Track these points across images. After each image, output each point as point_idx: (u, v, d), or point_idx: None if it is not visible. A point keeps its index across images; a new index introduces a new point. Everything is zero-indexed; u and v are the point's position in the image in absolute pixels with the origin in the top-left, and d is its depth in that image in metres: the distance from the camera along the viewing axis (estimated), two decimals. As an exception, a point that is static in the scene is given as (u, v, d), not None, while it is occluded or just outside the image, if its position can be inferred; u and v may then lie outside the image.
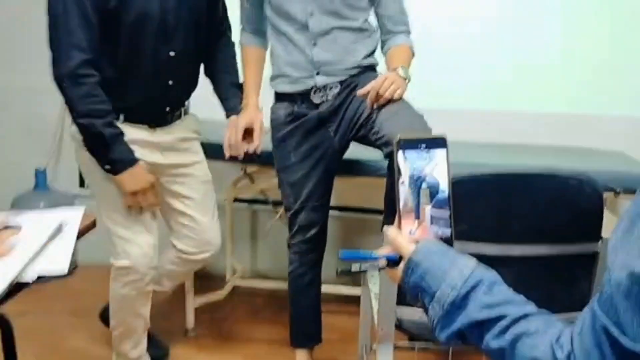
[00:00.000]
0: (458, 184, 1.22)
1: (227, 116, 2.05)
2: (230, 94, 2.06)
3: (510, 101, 2.66)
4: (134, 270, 1.92)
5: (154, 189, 1.89)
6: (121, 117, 1.86)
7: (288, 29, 1.87)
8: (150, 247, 1.94)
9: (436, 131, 2.39)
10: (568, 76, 2.62)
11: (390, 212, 1.80)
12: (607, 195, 2.16)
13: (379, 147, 1.78)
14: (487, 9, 2.62)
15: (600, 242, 1.31)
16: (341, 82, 1.89)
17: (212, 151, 2.13)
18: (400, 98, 1.77)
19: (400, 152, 0.87)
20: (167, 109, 1.94)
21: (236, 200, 2.76)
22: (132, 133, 1.87)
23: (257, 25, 1.99)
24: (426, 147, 0.88)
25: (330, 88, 1.89)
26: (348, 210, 2.84)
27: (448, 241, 0.87)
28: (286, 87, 1.93)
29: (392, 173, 1.74)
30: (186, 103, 2.03)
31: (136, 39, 1.81)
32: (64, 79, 1.75)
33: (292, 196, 2.00)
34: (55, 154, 3.09)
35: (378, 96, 1.74)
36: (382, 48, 1.97)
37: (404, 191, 0.87)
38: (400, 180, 0.87)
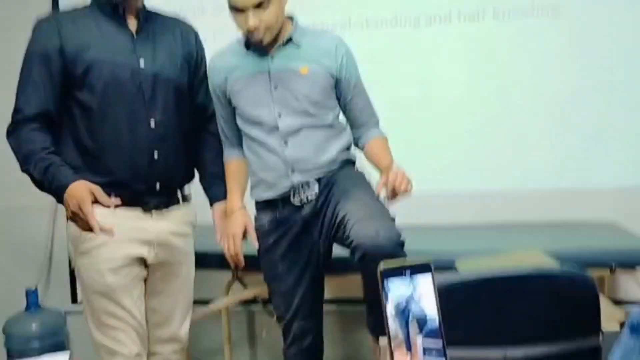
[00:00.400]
0: (449, 292, 1.22)
1: (211, 204, 2.03)
2: (213, 183, 2.03)
3: (494, 180, 2.68)
4: None
5: (84, 210, 1.69)
6: (112, 197, 1.76)
7: (258, 133, 1.87)
8: (134, 357, 1.86)
9: (423, 216, 2.50)
10: (551, 151, 2.65)
11: (371, 311, 1.80)
12: (602, 273, 2.15)
13: (350, 252, 1.74)
14: (463, 89, 2.68)
15: (600, 335, 1.28)
16: (319, 180, 1.87)
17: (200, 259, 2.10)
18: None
19: (385, 282, 0.86)
20: (158, 185, 1.85)
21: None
22: (127, 220, 1.80)
23: (233, 139, 1.99)
24: (411, 274, 0.87)
25: (309, 186, 1.86)
26: (343, 302, 2.78)
27: (443, 371, 0.85)
28: (265, 194, 1.91)
29: (366, 280, 1.75)
30: (185, 188, 1.97)
31: (112, 106, 1.78)
32: (7, 132, 1.79)
33: (283, 305, 1.96)
34: (45, 273, 3.06)
35: (394, 192, 1.71)
36: (356, 144, 1.98)
37: (393, 322, 0.86)
38: (388, 311, 0.86)
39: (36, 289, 2.90)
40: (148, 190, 1.85)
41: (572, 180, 2.63)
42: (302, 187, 1.87)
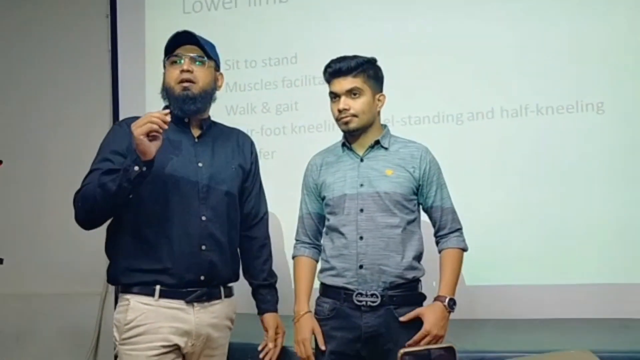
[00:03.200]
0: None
1: (262, 312, 2.12)
2: (265, 294, 2.13)
3: (536, 275, 2.62)
4: None
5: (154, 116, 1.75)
6: (157, 289, 1.87)
7: (338, 224, 1.99)
8: None
9: (473, 310, 2.44)
10: (604, 244, 2.58)
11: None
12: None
13: None
14: (504, 180, 2.69)
15: None
16: (382, 297, 1.92)
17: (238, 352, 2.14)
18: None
19: None
20: (202, 277, 1.93)
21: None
22: (169, 310, 1.88)
23: (312, 239, 2.12)
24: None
25: (372, 295, 1.92)
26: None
27: None
28: (331, 280, 1.99)
29: None
30: (229, 285, 2.04)
31: (169, 200, 1.90)
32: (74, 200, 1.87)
33: None
34: (92, 357, 3.10)
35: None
36: (436, 244, 2.05)
37: None
38: None
39: (82, 375, 2.95)
40: (193, 281, 1.93)
41: (625, 274, 2.55)
42: (366, 295, 1.93)
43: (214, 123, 2.10)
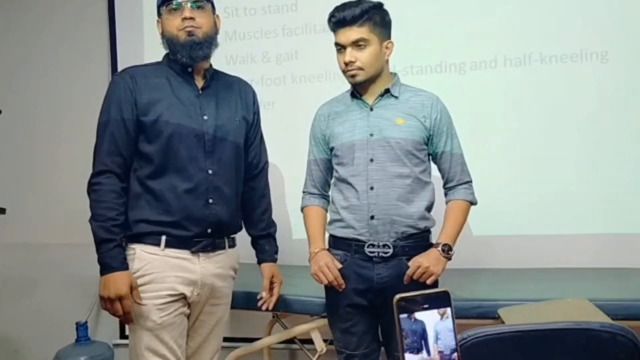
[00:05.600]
0: (477, 346, 1.20)
1: (259, 262, 2.14)
2: (264, 244, 2.15)
3: (535, 225, 2.65)
4: None
5: (125, 302, 1.84)
6: (163, 239, 1.90)
7: (347, 174, 1.96)
8: None
9: (472, 259, 2.47)
10: (601, 195, 2.60)
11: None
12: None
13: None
14: (510, 131, 2.69)
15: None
16: (394, 248, 1.91)
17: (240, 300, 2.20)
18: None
19: (401, 315, 0.84)
20: (209, 230, 1.95)
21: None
22: (175, 260, 1.91)
23: (321, 190, 2.09)
24: (428, 306, 0.85)
25: (384, 246, 1.91)
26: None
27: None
28: (341, 231, 1.98)
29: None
30: (233, 236, 2.06)
31: (175, 153, 1.90)
32: (88, 183, 1.90)
33: (342, 341, 2.01)
34: (96, 307, 3.15)
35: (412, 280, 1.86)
36: (445, 195, 2.02)
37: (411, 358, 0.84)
38: (405, 346, 0.84)
39: (86, 323, 3.00)
40: (200, 233, 1.94)
41: (624, 225, 2.57)
42: (377, 245, 1.92)
43: (216, 72, 2.07)
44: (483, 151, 2.60)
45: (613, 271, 2.47)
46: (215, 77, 2.05)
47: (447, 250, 1.90)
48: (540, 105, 2.65)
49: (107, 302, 1.85)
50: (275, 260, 2.17)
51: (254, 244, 2.17)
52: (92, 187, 1.90)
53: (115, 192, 1.89)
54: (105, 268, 1.85)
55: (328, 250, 2.02)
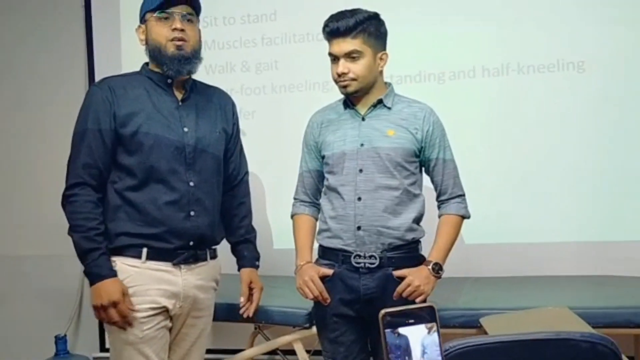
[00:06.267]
0: (461, 357, 1.20)
1: (239, 268, 2.11)
2: (244, 249, 2.13)
3: (517, 233, 2.67)
4: None
5: (120, 306, 1.82)
6: (144, 251, 1.87)
7: (337, 183, 1.95)
8: None
9: (458, 268, 2.48)
10: (580, 203, 2.63)
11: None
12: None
13: None
14: (488, 141, 2.72)
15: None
16: (381, 259, 1.90)
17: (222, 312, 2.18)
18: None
19: (387, 330, 0.84)
20: (191, 242, 1.93)
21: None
22: (156, 272, 1.88)
23: (312, 198, 2.07)
24: (414, 322, 0.85)
25: (370, 257, 1.90)
26: None
27: None
28: (329, 241, 1.97)
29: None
30: (213, 247, 2.04)
31: (156, 166, 1.88)
32: (63, 196, 1.88)
33: (330, 351, 2.00)
34: (75, 319, 3.12)
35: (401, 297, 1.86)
36: (438, 208, 2.01)
37: None
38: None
39: (65, 336, 2.96)
40: (181, 246, 1.93)
41: (605, 232, 2.61)
42: (364, 256, 1.91)
43: (195, 82, 2.05)
44: (463, 160, 2.61)
45: (594, 279, 2.50)
46: (194, 88, 2.03)
47: (438, 270, 1.90)
48: (520, 115, 2.69)
49: (101, 311, 1.83)
50: (255, 267, 2.15)
51: (234, 250, 2.16)
52: (68, 200, 1.87)
53: (92, 203, 1.86)
54: (95, 277, 1.83)
55: (316, 261, 2.01)
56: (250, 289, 2.11)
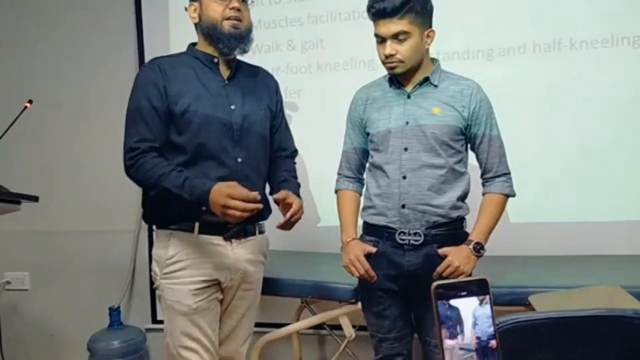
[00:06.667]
0: (514, 332, 1.21)
1: (272, 193, 2.06)
2: (286, 185, 2.08)
3: (567, 212, 2.63)
4: None
5: (233, 200, 1.78)
6: (196, 225, 1.93)
7: (382, 161, 1.95)
8: None
9: (506, 246, 2.46)
10: (632, 183, 2.57)
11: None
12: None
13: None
14: (538, 119, 2.67)
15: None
16: (425, 236, 1.90)
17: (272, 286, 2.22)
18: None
19: (439, 302, 0.84)
20: None
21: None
22: (209, 246, 1.94)
23: (356, 173, 2.08)
24: (467, 294, 0.85)
25: (415, 234, 1.91)
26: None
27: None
28: (373, 218, 1.98)
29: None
30: (261, 223, 2.09)
31: (205, 143, 1.92)
32: (125, 169, 1.89)
33: (374, 325, 2.03)
34: (128, 292, 3.23)
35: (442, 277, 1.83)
36: (482, 186, 1.99)
37: (449, 345, 0.84)
38: (443, 333, 0.84)
39: (119, 308, 3.08)
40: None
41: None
42: (409, 233, 1.91)
43: (239, 62, 2.09)
44: (516, 137, 2.57)
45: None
46: (239, 68, 2.07)
47: (479, 249, 1.90)
48: (572, 92, 2.62)
49: (226, 210, 1.79)
50: (297, 194, 2.06)
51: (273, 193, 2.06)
52: (136, 164, 1.87)
53: (159, 158, 1.89)
54: (203, 193, 1.81)
55: (361, 237, 2.02)
56: (288, 204, 1.96)
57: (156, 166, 1.87)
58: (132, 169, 1.89)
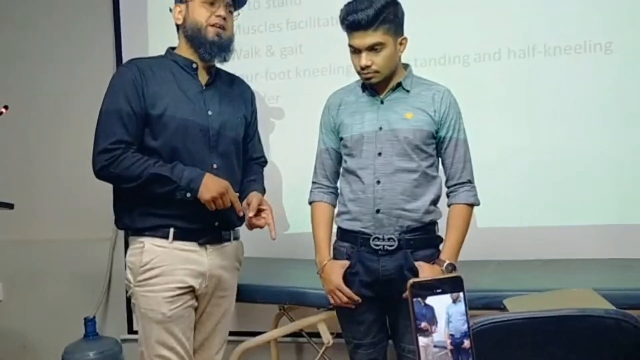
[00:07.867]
0: (484, 333, 1.21)
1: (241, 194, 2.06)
2: (253, 184, 2.11)
3: (538, 216, 2.66)
4: None
5: (227, 195, 1.88)
6: (171, 231, 1.91)
7: (356, 167, 1.95)
8: None
9: (479, 251, 2.48)
10: (609, 185, 2.60)
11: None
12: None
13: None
14: (513, 123, 2.70)
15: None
16: (399, 241, 1.91)
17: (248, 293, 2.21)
18: None
19: (415, 299, 0.85)
20: (216, 223, 1.97)
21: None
22: (183, 252, 1.93)
23: (331, 182, 2.07)
24: (442, 292, 0.86)
25: (389, 239, 1.91)
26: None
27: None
28: (348, 224, 1.98)
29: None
30: (236, 229, 2.08)
31: (181, 147, 1.91)
32: (99, 168, 1.86)
33: (350, 331, 2.03)
34: (103, 302, 3.18)
35: None
36: (447, 195, 2.00)
37: (423, 342, 0.85)
38: (417, 330, 0.85)
39: (94, 318, 3.02)
40: (207, 226, 1.96)
41: (629, 215, 2.58)
42: (383, 239, 1.92)
43: (217, 70, 2.09)
44: (486, 143, 2.60)
45: (616, 262, 2.47)
46: (218, 75, 2.08)
47: (451, 270, 1.90)
48: (544, 98, 2.65)
49: (213, 202, 1.86)
50: (262, 193, 2.10)
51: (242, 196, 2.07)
52: (116, 161, 1.85)
53: (137, 152, 1.87)
54: (193, 181, 1.85)
55: (335, 243, 2.02)
56: (261, 210, 2.00)
57: (140, 159, 1.86)
58: (112, 165, 1.86)
